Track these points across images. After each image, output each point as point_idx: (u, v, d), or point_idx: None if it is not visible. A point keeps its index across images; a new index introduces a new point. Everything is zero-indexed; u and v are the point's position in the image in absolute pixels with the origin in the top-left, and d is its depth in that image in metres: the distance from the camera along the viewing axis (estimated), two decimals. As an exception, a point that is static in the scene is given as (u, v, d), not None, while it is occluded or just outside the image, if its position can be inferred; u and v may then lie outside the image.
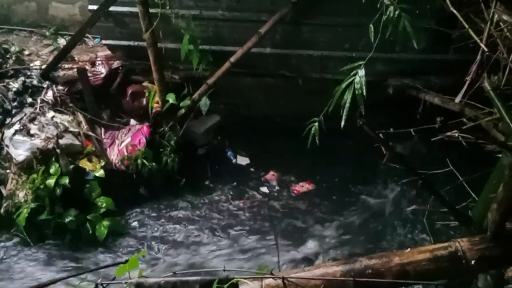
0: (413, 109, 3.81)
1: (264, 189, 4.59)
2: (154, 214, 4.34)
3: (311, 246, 3.74)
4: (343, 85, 3.34)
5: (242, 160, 4.90)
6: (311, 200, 4.31)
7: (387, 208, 3.74)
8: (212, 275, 1.34)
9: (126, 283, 1.39)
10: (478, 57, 2.03)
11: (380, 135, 1.86)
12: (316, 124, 3.88)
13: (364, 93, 3.16)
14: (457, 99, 2.02)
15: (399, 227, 3.50)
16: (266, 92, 4.92)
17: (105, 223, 4.02)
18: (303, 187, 4.61)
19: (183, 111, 4.49)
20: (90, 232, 3.98)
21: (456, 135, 1.86)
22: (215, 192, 4.55)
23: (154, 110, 4.46)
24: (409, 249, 1.71)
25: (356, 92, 3.23)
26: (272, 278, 1.42)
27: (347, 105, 3.25)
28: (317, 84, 4.44)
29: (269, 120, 4.92)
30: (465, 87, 2.00)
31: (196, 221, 4.23)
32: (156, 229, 4.16)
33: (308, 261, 3.55)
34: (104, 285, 1.44)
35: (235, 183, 4.63)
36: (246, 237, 3.96)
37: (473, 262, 1.65)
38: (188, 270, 1.52)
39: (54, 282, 1.76)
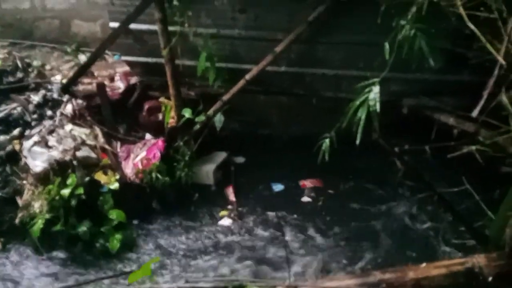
0: (428, 131, 3.79)
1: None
2: (166, 228, 4.35)
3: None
4: (357, 102, 3.37)
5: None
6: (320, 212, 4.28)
7: (400, 224, 3.69)
8: (226, 282, 1.33)
9: (139, 289, 1.40)
10: (495, 71, 2.03)
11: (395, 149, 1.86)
12: (327, 140, 3.91)
13: (378, 110, 3.17)
14: (474, 114, 2.01)
15: (413, 244, 3.44)
16: (280, 110, 4.96)
17: (118, 235, 4.04)
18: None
19: (198, 126, 4.55)
20: (103, 244, 4.01)
21: (474, 148, 1.84)
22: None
23: (169, 125, 4.52)
24: (424, 264, 1.67)
25: (370, 109, 3.25)
26: (286, 286, 1.41)
27: (362, 121, 3.27)
28: (331, 102, 4.46)
29: (282, 138, 4.94)
30: (482, 102, 2.00)
31: (208, 236, 4.21)
32: (167, 243, 4.15)
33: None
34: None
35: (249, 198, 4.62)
36: (260, 250, 3.92)
37: (490, 278, 1.61)
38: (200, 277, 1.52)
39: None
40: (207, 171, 4.74)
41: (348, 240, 3.81)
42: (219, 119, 4.59)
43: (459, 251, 2.68)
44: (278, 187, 4.77)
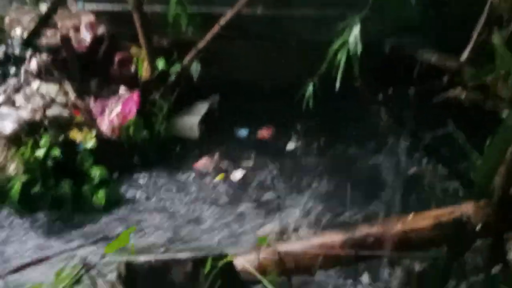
0: (411, 75, 3.69)
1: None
2: (149, 183, 4.30)
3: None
4: (336, 45, 3.23)
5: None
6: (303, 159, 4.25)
7: (385, 171, 3.69)
8: (206, 251, 1.29)
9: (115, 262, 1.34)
10: (486, 9, 1.91)
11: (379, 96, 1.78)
12: (310, 87, 3.80)
13: (359, 52, 3.05)
14: (463, 57, 1.92)
15: (398, 192, 3.47)
16: (259, 56, 4.77)
17: (101, 192, 3.98)
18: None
19: (173, 77, 4.37)
20: (87, 202, 3.96)
21: (463, 95, 1.77)
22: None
23: (143, 78, 4.32)
24: (411, 216, 1.67)
25: (351, 52, 3.13)
26: (268, 250, 1.38)
27: (342, 65, 3.16)
28: (311, 46, 4.29)
29: (262, 84, 4.79)
30: (471, 44, 1.90)
31: (192, 190, 4.19)
32: (150, 198, 4.12)
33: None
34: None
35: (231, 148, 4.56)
36: (247, 201, 3.93)
37: (478, 227, 1.62)
38: (181, 244, 1.47)
39: (39, 261, 1.71)
40: (192, 124, 4.54)
41: (330, 192, 3.83)
42: (195, 68, 4.41)
43: (444, 197, 2.71)
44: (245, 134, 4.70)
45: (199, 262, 1.19)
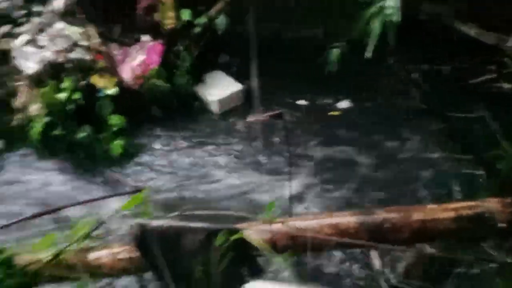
0: (446, 46, 3.48)
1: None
2: (167, 136, 4.29)
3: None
4: (371, 10, 3.05)
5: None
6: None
7: (406, 154, 3.55)
8: (222, 221, 1.28)
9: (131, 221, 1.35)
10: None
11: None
12: (337, 50, 3.64)
13: (397, 20, 2.88)
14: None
15: (419, 177, 3.34)
16: (288, 10, 4.55)
17: (118, 141, 4.00)
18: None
19: (198, 29, 4.24)
20: (104, 150, 4.00)
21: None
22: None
23: (168, 27, 4.21)
24: (431, 205, 1.62)
25: (386, 18, 2.96)
26: (280, 224, 1.36)
27: (376, 32, 3.00)
28: (344, 5, 4.07)
29: (289, 40, 4.61)
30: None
31: (209, 145, 4.18)
32: (168, 151, 4.13)
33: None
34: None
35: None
36: (261, 161, 3.91)
37: (502, 225, 1.56)
38: (195, 206, 1.46)
39: (57, 210, 1.75)
40: (212, 101, 4.37)
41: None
42: (221, 21, 4.26)
43: (467, 185, 2.61)
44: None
45: (212, 233, 1.18)
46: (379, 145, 3.72)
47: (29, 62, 3.80)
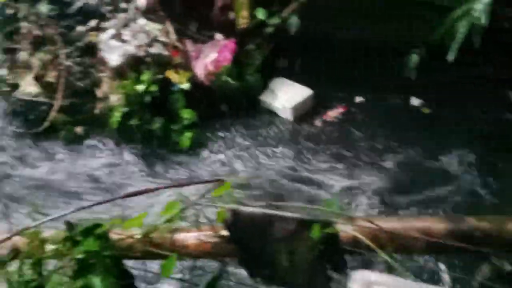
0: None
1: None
2: (233, 132, 4.40)
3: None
4: (459, 12, 2.95)
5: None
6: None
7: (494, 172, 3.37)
8: (312, 214, 1.30)
9: (221, 206, 1.41)
10: None
11: None
12: (415, 55, 3.55)
13: (485, 22, 2.77)
14: None
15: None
16: (364, 13, 4.47)
17: (188, 134, 4.17)
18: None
19: (271, 29, 4.31)
20: (174, 141, 4.18)
21: None
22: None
23: (240, 26, 4.32)
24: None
25: (474, 21, 2.85)
26: (366, 221, 1.36)
27: (460, 35, 2.90)
28: (425, 9, 3.94)
29: (365, 43, 4.54)
30: None
31: (276, 142, 4.22)
32: (236, 146, 4.23)
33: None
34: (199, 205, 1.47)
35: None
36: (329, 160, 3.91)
37: None
38: (279, 201, 1.50)
39: (143, 192, 1.86)
40: (284, 107, 4.32)
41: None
42: (294, 22, 4.29)
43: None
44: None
45: (304, 224, 1.21)
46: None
47: (113, 55, 4.07)
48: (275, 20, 4.21)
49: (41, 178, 4.09)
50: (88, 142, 4.38)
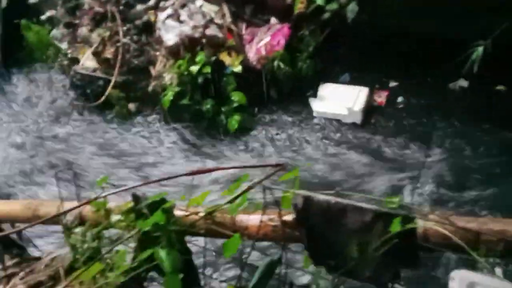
0: None
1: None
2: (281, 118, 4.39)
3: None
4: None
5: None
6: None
7: None
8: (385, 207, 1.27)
9: (293, 191, 1.41)
10: None
11: None
12: (480, 50, 3.37)
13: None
14: None
15: None
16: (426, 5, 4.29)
17: (237, 117, 4.20)
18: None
19: (327, 15, 4.22)
20: (222, 123, 4.23)
21: None
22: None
23: (298, 10, 4.25)
24: None
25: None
26: (444, 219, 1.31)
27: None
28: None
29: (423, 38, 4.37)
30: None
31: (323, 133, 4.18)
32: (282, 131, 4.22)
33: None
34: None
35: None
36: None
37: None
38: (347, 190, 1.49)
39: (206, 171, 1.89)
40: (355, 111, 4.03)
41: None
42: (352, 9, 4.16)
43: None
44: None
45: (380, 216, 1.19)
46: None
47: (170, 35, 4.13)
48: (333, 6, 4.10)
49: (97, 150, 4.27)
50: (139, 118, 4.51)
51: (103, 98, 4.31)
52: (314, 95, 4.37)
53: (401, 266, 1.26)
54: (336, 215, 1.24)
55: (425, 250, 1.27)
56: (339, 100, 4.14)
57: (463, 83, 4.15)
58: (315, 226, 1.31)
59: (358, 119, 4.07)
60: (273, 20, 4.54)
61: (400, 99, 4.22)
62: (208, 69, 4.04)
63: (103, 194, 1.81)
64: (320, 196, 1.26)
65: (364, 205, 1.20)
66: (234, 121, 4.20)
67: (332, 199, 1.25)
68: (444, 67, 3.88)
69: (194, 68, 4.01)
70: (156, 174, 4.05)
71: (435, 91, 4.15)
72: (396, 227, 1.11)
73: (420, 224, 1.17)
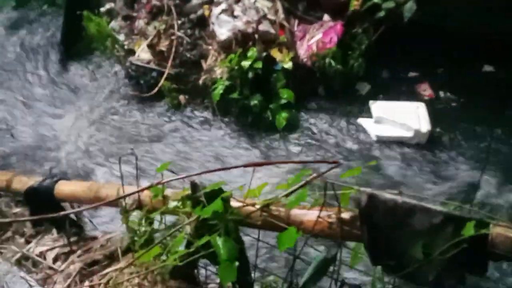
0: None
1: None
2: (328, 117, 4.33)
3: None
4: None
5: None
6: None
7: None
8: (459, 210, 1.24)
9: (358, 188, 1.40)
10: None
11: None
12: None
13: None
14: None
15: None
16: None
17: (284, 114, 4.19)
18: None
19: (383, 13, 4.13)
20: (269, 119, 4.23)
21: None
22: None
23: (353, 8, 4.19)
24: None
25: None
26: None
27: None
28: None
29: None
30: None
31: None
32: (330, 131, 4.18)
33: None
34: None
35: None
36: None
37: None
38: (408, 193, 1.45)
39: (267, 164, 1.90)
40: (423, 132, 3.79)
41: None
42: (409, 8, 4.06)
43: None
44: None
45: (452, 219, 1.15)
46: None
47: (223, 29, 4.19)
48: (390, 4, 4.01)
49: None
50: (188, 110, 4.60)
51: (156, 89, 4.44)
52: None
53: (467, 272, 1.22)
54: (402, 215, 1.22)
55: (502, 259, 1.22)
56: (399, 120, 3.88)
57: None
58: (378, 224, 1.29)
59: (424, 139, 3.83)
60: (326, 17, 4.50)
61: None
62: (259, 65, 4.06)
63: (164, 181, 1.86)
64: (387, 195, 1.24)
65: (434, 206, 1.17)
66: (282, 119, 4.19)
67: (399, 198, 1.23)
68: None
69: (245, 63, 4.05)
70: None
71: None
72: (469, 231, 1.08)
73: (495, 230, 1.13)
